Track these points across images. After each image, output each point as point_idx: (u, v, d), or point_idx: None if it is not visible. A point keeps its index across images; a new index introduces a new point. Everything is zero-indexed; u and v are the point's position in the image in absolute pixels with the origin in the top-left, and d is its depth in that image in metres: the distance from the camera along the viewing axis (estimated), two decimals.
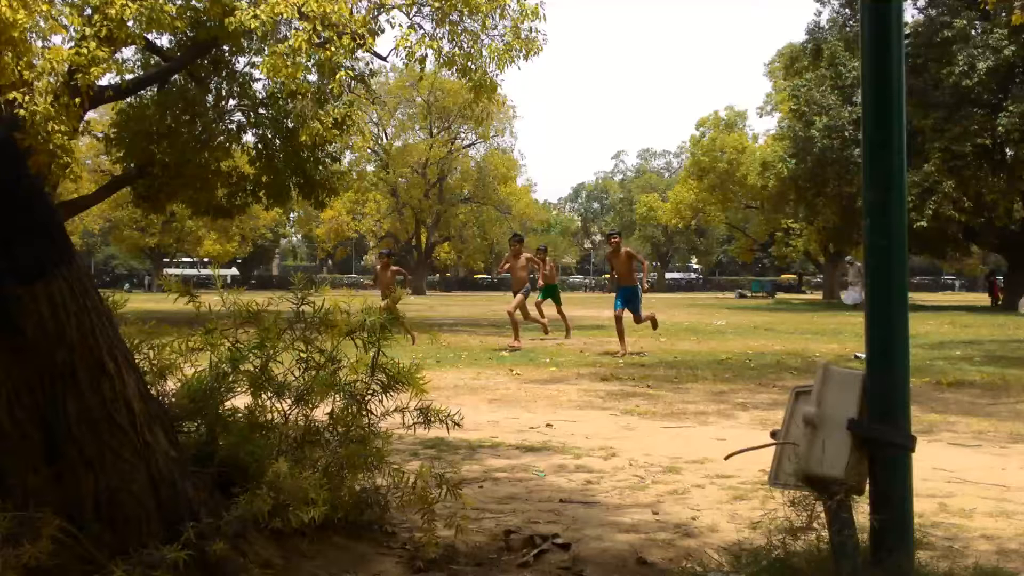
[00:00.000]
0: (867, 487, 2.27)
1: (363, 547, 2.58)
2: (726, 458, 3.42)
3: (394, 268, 13.74)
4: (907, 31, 20.56)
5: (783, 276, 61.97)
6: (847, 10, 29.50)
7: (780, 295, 48.69)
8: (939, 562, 2.49)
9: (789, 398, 2.42)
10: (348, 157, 31.27)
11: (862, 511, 2.25)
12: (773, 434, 2.53)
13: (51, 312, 2.09)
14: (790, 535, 2.29)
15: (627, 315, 10.87)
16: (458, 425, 2.85)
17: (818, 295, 45.62)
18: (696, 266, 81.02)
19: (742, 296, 47.71)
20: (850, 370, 2.38)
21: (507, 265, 12.28)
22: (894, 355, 2.29)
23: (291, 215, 51.42)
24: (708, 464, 4.08)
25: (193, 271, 57.03)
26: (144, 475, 2.20)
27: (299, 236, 68.59)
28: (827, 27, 30.80)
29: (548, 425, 5.19)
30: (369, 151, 43.45)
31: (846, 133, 26.81)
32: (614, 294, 11.20)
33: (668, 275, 75.75)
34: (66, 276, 2.13)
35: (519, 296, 11.84)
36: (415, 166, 47.66)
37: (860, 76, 2.40)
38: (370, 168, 46.45)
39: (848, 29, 28.87)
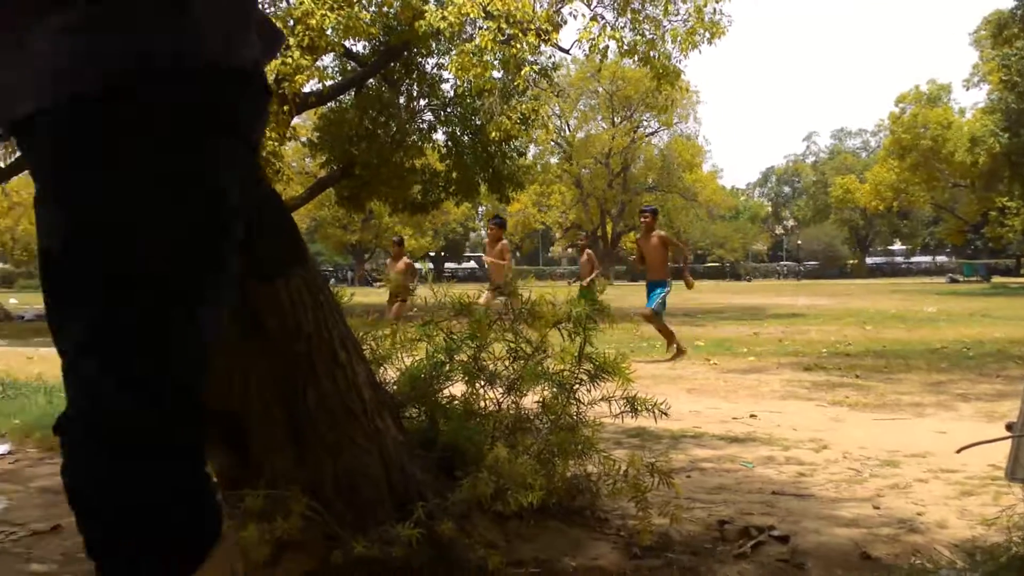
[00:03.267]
0: None
1: (577, 532, 2.63)
2: (958, 451, 3.22)
3: (407, 260, 11.74)
4: None
5: None
6: None
7: (996, 279, 44.98)
8: None
9: None
10: (532, 150, 31.80)
11: None
12: (1009, 426, 2.37)
13: (290, 307, 2.26)
14: None
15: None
16: (665, 415, 2.84)
17: None
18: (901, 248, 76.12)
19: (954, 281, 44.46)
20: None
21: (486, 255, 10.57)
22: None
23: (480, 209, 52.85)
24: (930, 458, 3.86)
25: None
26: (377, 459, 2.35)
27: (488, 230, 70.33)
28: None
29: (752, 416, 5.07)
30: (552, 143, 43.93)
31: None
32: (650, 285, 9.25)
33: (869, 260, 71.64)
34: (302, 274, 2.29)
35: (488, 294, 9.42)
36: (598, 156, 47.67)
37: None
38: (554, 160, 46.94)
39: None
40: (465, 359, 2.95)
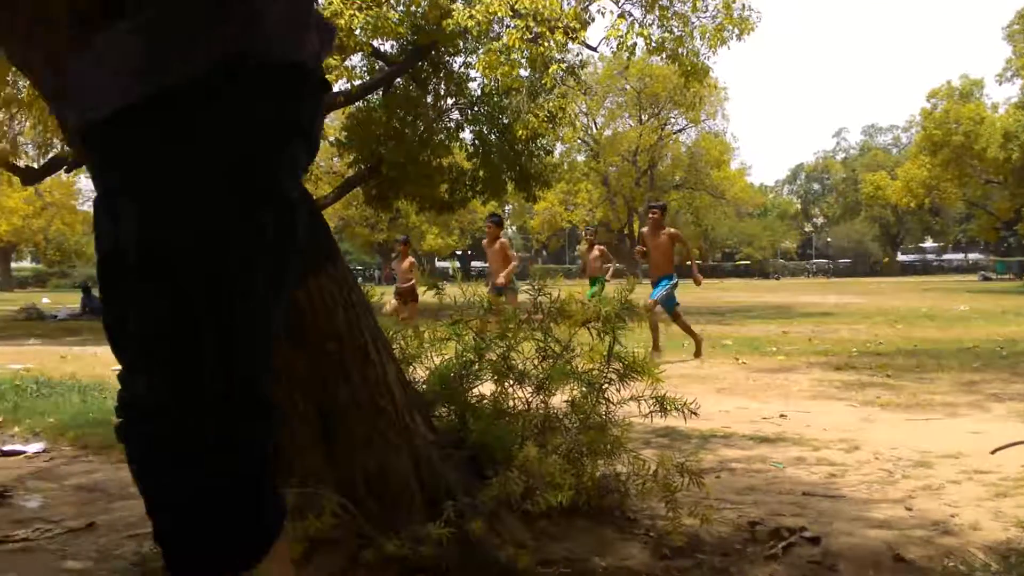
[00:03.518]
0: None
1: (606, 532, 2.63)
2: (992, 452, 3.19)
3: (412, 259, 12.01)
4: None
5: None
6: None
7: None
8: None
9: None
10: (559, 148, 31.75)
11: None
12: None
13: (322, 306, 2.27)
14: None
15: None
16: (695, 414, 2.83)
17: None
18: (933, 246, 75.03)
19: (986, 278, 43.84)
20: None
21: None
22: None
23: (506, 208, 52.90)
24: (963, 459, 3.80)
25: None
26: (407, 457, 2.36)
27: (514, 228, 70.34)
28: None
29: (782, 416, 5.03)
30: (579, 141, 43.81)
31: None
32: (655, 282, 8.93)
33: (900, 257, 70.76)
34: (333, 273, 2.31)
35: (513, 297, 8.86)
36: (625, 154, 47.45)
37: None
38: (580, 158, 46.78)
39: None
40: (494, 358, 2.96)
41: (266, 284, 1.15)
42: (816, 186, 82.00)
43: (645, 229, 9.29)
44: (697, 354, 8.44)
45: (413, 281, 11.52)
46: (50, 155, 18.24)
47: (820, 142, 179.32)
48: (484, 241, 10.17)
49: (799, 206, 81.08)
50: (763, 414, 5.11)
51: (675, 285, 8.89)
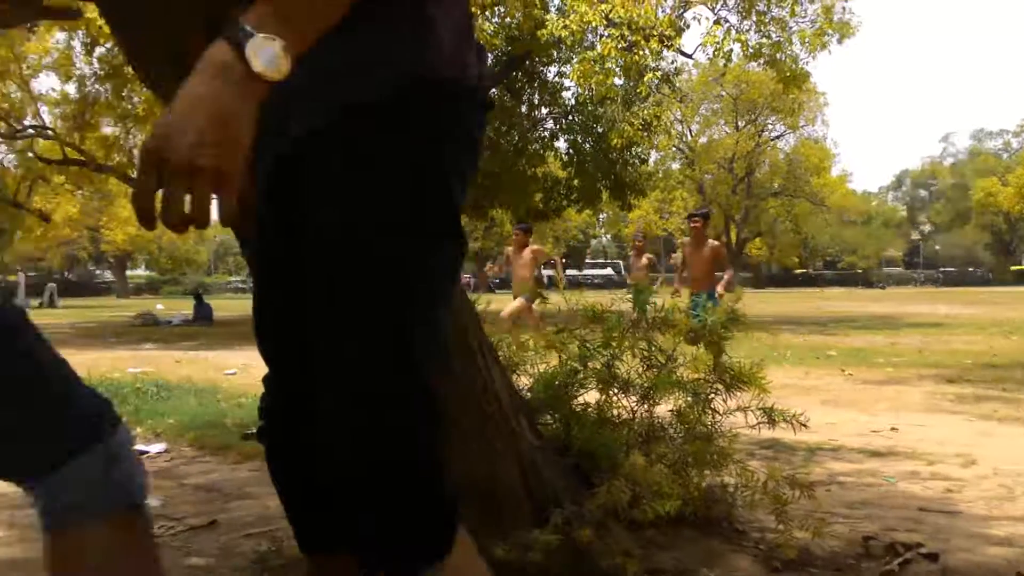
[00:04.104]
0: None
1: (713, 543, 2.60)
2: None
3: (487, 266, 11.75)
4: None
5: None
6: None
7: None
8: None
9: None
10: (654, 156, 31.47)
11: None
12: None
13: None
14: None
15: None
16: (804, 426, 2.77)
17: None
18: None
19: None
20: None
21: (507, 261, 9.70)
22: None
23: (600, 216, 52.66)
24: None
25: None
26: (513, 462, 2.39)
27: (608, 236, 69.97)
28: None
29: (893, 429, 4.87)
30: (674, 149, 43.35)
31: None
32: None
33: (1015, 266, 67.40)
34: None
35: (519, 301, 7.76)
36: (721, 162, 46.71)
37: None
38: (675, 166, 46.25)
39: None
40: (598, 367, 2.96)
41: (439, 285, 1.20)
42: (922, 193, 79.05)
43: (686, 240, 8.55)
44: None
45: None
46: None
47: (926, 147, 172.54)
48: (510, 250, 9.67)
49: (904, 213, 78.29)
50: (872, 427, 4.95)
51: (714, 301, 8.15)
